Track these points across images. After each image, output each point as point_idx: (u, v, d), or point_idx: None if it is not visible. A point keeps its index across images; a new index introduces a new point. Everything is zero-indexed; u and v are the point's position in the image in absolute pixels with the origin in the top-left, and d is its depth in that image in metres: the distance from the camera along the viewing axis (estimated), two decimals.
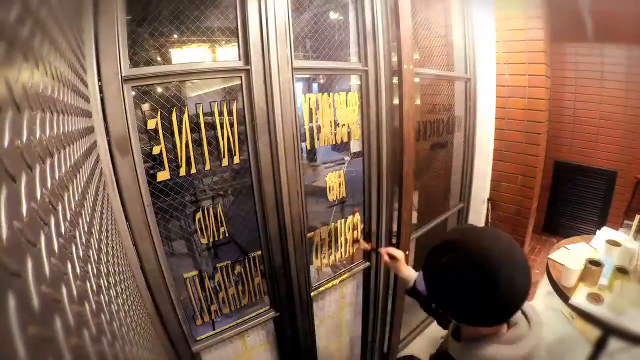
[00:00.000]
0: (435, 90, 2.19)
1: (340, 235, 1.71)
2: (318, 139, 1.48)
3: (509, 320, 0.72)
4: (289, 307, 1.50)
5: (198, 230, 1.26)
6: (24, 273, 0.22)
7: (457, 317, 0.72)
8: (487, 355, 0.70)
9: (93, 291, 0.42)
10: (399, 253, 1.32)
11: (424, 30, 1.96)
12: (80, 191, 0.51)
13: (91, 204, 0.60)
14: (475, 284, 0.65)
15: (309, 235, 1.52)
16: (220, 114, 1.18)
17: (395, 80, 1.60)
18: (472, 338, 0.74)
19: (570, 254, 1.83)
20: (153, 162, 1.10)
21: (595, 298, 1.48)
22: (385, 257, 1.33)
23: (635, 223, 1.85)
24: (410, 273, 1.27)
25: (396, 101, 1.62)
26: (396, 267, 1.32)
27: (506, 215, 2.39)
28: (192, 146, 1.14)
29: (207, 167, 1.21)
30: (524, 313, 0.77)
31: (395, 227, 1.78)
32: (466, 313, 0.69)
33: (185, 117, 1.12)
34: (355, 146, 1.69)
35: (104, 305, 0.47)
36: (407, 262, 1.90)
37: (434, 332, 2.41)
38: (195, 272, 1.30)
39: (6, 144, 0.24)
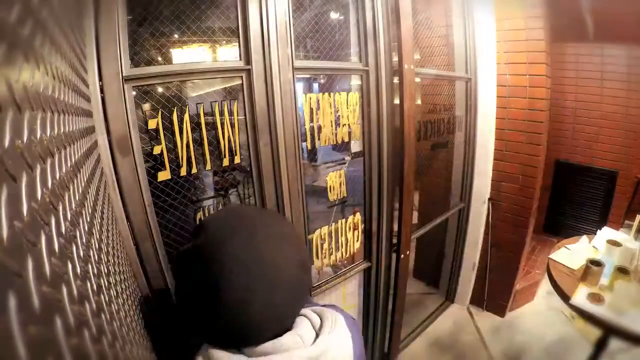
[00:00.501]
0: (435, 90, 2.19)
1: (341, 235, 1.71)
2: (319, 138, 1.47)
3: (242, 345, 0.53)
4: None
5: None
6: (24, 273, 0.22)
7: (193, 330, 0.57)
8: (207, 353, 0.53)
9: (93, 291, 0.42)
10: None
11: (424, 30, 1.96)
12: (81, 191, 0.51)
13: (92, 204, 0.61)
14: (198, 285, 0.52)
15: (309, 235, 1.52)
16: (221, 113, 1.18)
17: (396, 80, 1.60)
18: None
19: (571, 254, 1.83)
20: (154, 162, 1.10)
21: (595, 298, 1.48)
22: None
23: (635, 223, 1.84)
24: None
25: (397, 101, 1.62)
26: None
27: (507, 215, 2.39)
28: (193, 146, 1.14)
29: (208, 167, 1.21)
30: (321, 321, 0.59)
31: (395, 227, 1.78)
32: (190, 320, 0.56)
33: (186, 117, 1.12)
34: (355, 146, 1.69)
35: (105, 305, 0.47)
36: (407, 262, 1.90)
37: (434, 332, 2.41)
38: None
39: (7, 143, 0.23)
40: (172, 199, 1.24)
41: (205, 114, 1.16)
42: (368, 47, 1.53)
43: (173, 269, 0.60)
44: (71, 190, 0.44)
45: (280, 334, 0.54)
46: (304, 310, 0.61)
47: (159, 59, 1.15)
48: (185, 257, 0.57)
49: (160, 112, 1.07)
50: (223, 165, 1.23)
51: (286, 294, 0.53)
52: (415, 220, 2.20)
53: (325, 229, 1.62)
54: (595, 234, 2.04)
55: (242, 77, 1.18)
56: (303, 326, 0.57)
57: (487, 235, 2.48)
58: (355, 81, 1.61)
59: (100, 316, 0.42)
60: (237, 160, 1.25)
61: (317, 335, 0.56)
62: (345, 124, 1.55)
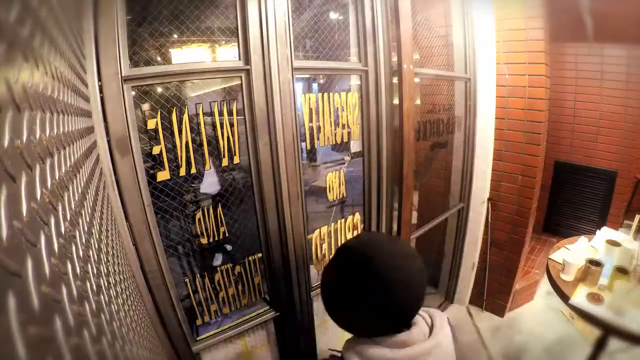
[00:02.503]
0: (435, 90, 2.19)
1: (341, 235, 1.71)
2: (318, 139, 1.48)
3: (392, 330, 0.68)
4: (289, 307, 1.50)
5: (198, 230, 1.26)
6: (24, 273, 0.22)
7: (340, 324, 0.71)
8: (358, 350, 0.67)
9: (93, 291, 0.42)
10: None
11: (424, 30, 1.96)
12: (80, 191, 0.51)
13: (91, 204, 0.60)
14: (350, 290, 0.66)
15: (309, 235, 1.52)
16: (220, 114, 1.18)
17: (395, 80, 1.60)
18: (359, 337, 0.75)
19: (571, 254, 1.83)
20: (153, 162, 1.10)
21: (595, 298, 1.48)
22: None
23: (635, 223, 1.85)
24: None
25: (396, 101, 1.62)
26: None
27: (506, 215, 2.39)
28: (192, 146, 1.14)
29: (207, 167, 1.21)
30: (431, 319, 0.74)
31: (395, 227, 1.78)
32: (344, 320, 0.70)
33: (185, 117, 1.12)
34: (355, 146, 1.69)
35: (104, 305, 0.47)
36: None
37: None
38: (195, 272, 1.30)
39: (6, 144, 0.23)
40: (171, 199, 1.24)
41: (205, 114, 1.16)
42: (367, 47, 1.53)
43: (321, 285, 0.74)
44: (70, 191, 0.44)
45: (406, 328, 0.69)
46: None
47: (158, 59, 1.15)
48: (328, 274, 0.73)
49: (159, 112, 1.07)
50: (222, 165, 1.23)
51: (417, 294, 0.68)
52: (414, 220, 2.20)
53: (324, 229, 1.62)
54: (594, 234, 2.04)
55: (241, 77, 1.18)
56: (422, 323, 0.72)
57: (487, 235, 2.48)
58: (354, 81, 1.61)
59: (100, 316, 0.42)
60: (236, 160, 1.25)
61: (431, 331, 0.71)
62: (344, 124, 1.55)
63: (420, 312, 0.75)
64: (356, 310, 0.66)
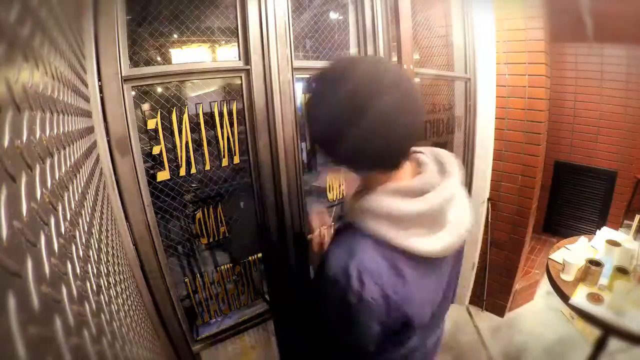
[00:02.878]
0: (435, 90, 2.19)
1: None
2: None
3: (396, 163, 0.59)
4: (289, 307, 1.50)
5: (198, 230, 1.26)
6: (24, 273, 0.22)
7: (335, 158, 0.59)
8: (366, 206, 0.57)
9: (93, 291, 0.42)
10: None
11: (424, 30, 1.96)
12: (80, 191, 0.51)
13: (91, 204, 0.60)
14: (343, 114, 0.52)
15: (309, 235, 1.52)
16: (220, 114, 1.18)
17: None
18: (362, 191, 0.63)
19: (571, 254, 1.83)
20: (153, 162, 1.10)
21: (595, 298, 1.48)
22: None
23: (635, 223, 1.85)
24: None
25: None
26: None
27: (506, 215, 2.39)
28: (192, 146, 1.14)
29: (207, 167, 1.21)
30: (439, 160, 0.65)
31: None
32: (340, 151, 0.56)
33: (185, 117, 1.12)
34: None
35: (104, 305, 0.47)
36: None
37: None
38: (195, 272, 1.30)
39: (6, 144, 0.24)
40: (171, 199, 1.24)
41: (205, 114, 1.16)
42: (367, 47, 1.53)
43: (308, 115, 0.60)
44: (70, 191, 0.44)
45: (405, 159, 0.61)
46: (423, 149, 0.69)
47: (158, 59, 1.15)
48: (316, 99, 0.58)
49: (159, 112, 1.07)
50: (222, 165, 1.23)
51: (417, 118, 0.58)
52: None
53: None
54: (594, 234, 2.04)
55: (241, 77, 1.18)
56: (430, 164, 0.64)
57: (487, 235, 2.48)
58: None
59: (100, 316, 0.42)
60: (236, 160, 1.25)
61: (443, 174, 0.62)
62: None
63: (424, 152, 0.67)
64: (346, 138, 0.53)
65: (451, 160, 0.65)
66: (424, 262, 0.58)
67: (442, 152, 0.68)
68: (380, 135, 0.52)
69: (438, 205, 0.57)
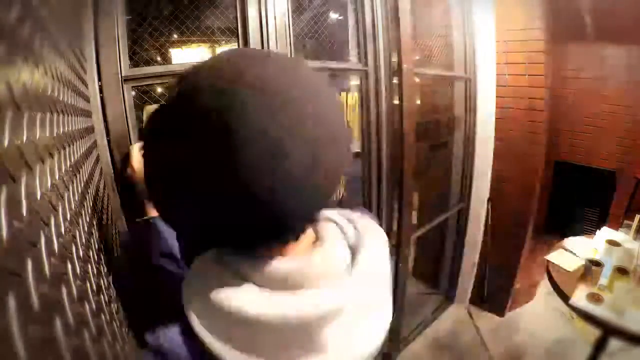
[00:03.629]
0: (435, 90, 2.19)
1: None
2: None
3: (273, 242, 0.36)
4: None
5: None
6: (24, 273, 0.22)
7: (178, 227, 0.39)
8: (205, 303, 0.34)
9: (93, 291, 0.42)
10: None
11: (424, 30, 1.96)
12: (80, 191, 0.51)
13: (91, 204, 0.60)
14: (202, 155, 0.30)
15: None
16: None
17: (395, 80, 1.60)
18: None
19: (571, 254, 1.83)
20: None
21: (595, 298, 1.48)
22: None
23: (635, 223, 1.84)
24: None
25: (396, 101, 1.62)
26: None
27: (506, 215, 2.39)
28: None
29: None
30: (356, 229, 0.43)
31: (395, 227, 1.78)
32: (185, 217, 0.35)
33: None
34: (355, 146, 1.69)
35: (104, 305, 0.47)
36: (406, 262, 1.90)
37: (434, 332, 2.41)
38: None
39: (6, 144, 0.24)
40: None
41: None
42: (367, 47, 1.53)
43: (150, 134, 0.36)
44: (70, 191, 0.44)
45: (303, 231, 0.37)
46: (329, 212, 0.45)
47: (158, 59, 1.15)
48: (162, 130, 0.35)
49: None
50: None
51: (344, 159, 0.35)
52: (414, 220, 2.20)
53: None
54: (594, 234, 2.04)
55: None
56: (338, 237, 0.41)
57: (487, 235, 2.48)
58: (354, 81, 1.61)
59: (100, 316, 0.42)
60: None
61: (353, 256, 0.40)
62: None
63: (335, 216, 0.45)
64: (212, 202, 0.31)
65: (370, 237, 0.42)
66: None
67: (360, 221, 0.45)
68: (267, 201, 0.30)
69: (314, 316, 0.33)
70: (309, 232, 0.40)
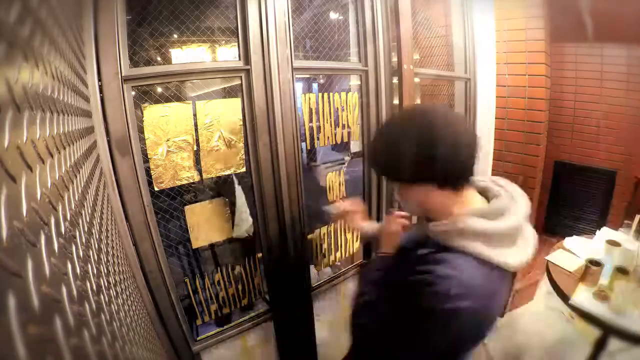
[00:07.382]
0: (435, 90, 2.19)
1: (341, 236, 1.71)
2: (318, 139, 1.47)
3: (463, 182, 0.68)
4: (289, 307, 1.50)
5: None
6: (24, 273, 0.22)
7: (408, 177, 0.67)
8: (461, 228, 0.63)
9: (93, 291, 0.42)
10: (357, 206, 1.16)
11: (424, 30, 1.96)
12: (80, 191, 0.51)
13: (91, 204, 0.60)
14: (416, 136, 0.63)
15: (309, 235, 1.52)
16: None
17: (395, 80, 1.60)
18: (433, 218, 0.71)
19: (571, 254, 1.83)
20: None
21: (595, 298, 1.48)
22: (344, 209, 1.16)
23: (635, 223, 1.84)
24: (372, 226, 1.12)
25: (396, 101, 1.62)
26: (355, 222, 1.14)
27: None
28: None
29: None
30: (504, 187, 0.76)
31: None
32: (412, 167, 0.65)
33: None
34: (355, 146, 1.69)
35: (104, 305, 0.47)
36: None
37: None
38: (195, 272, 1.30)
39: (6, 144, 0.24)
40: (171, 199, 1.24)
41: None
42: (367, 47, 1.53)
43: (376, 148, 0.71)
44: (70, 191, 0.44)
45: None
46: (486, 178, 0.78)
47: (158, 59, 1.15)
48: (389, 131, 0.70)
49: None
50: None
51: (474, 143, 0.66)
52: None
53: (324, 229, 1.63)
54: (594, 234, 2.04)
55: (241, 77, 1.18)
56: (501, 190, 0.74)
57: None
58: (354, 81, 1.61)
59: (100, 316, 0.42)
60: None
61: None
62: (344, 124, 1.55)
63: (486, 181, 0.76)
64: (418, 157, 0.63)
65: (514, 188, 0.76)
66: (507, 276, 0.66)
67: (504, 181, 0.77)
68: (454, 155, 0.63)
69: (519, 224, 0.66)
70: (471, 191, 0.72)
